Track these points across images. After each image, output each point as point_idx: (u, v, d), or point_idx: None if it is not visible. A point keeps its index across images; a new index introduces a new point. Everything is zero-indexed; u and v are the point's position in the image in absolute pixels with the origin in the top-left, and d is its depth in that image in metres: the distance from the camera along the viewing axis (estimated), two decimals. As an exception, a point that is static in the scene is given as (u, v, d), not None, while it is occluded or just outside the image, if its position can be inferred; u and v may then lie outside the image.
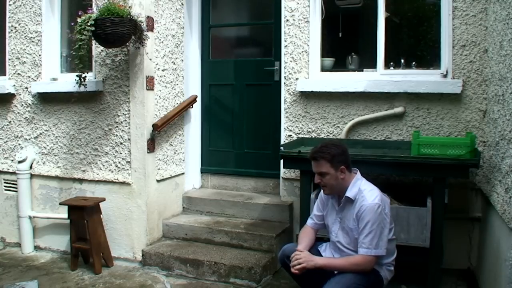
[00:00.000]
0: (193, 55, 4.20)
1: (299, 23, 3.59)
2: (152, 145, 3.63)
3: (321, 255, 2.54)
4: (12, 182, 4.15)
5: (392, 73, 3.46)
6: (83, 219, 3.47)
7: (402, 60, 3.53)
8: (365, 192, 2.40)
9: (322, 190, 2.57)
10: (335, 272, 2.38)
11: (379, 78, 3.44)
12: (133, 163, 3.61)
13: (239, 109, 4.24)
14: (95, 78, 3.71)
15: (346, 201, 2.46)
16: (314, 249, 2.56)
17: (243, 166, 4.24)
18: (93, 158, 3.79)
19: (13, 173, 4.09)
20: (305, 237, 2.61)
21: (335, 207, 2.54)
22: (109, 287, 3.23)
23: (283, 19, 3.66)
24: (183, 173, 4.10)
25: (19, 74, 4.07)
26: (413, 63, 3.50)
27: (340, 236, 2.49)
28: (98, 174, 3.77)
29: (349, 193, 2.43)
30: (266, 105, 4.12)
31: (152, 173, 3.65)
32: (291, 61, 3.64)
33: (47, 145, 3.98)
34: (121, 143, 3.67)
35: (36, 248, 4.03)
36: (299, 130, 3.65)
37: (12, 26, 4.07)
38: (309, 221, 2.70)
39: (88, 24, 3.14)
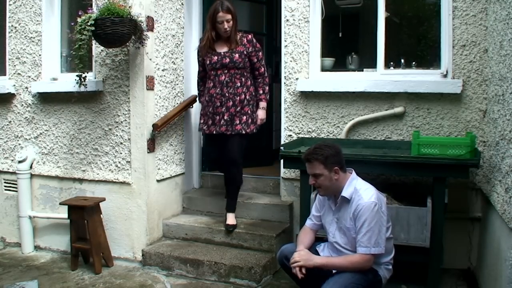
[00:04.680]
0: (193, 55, 4.19)
1: (299, 23, 3.60)
2: (152, 145, 3.63)
3: (319, 255, 2.54)
4: (12, 182, 4.15)
5: (392, 73, 3.46)
6: (83, 219, 3.47)
7: (402, 60, 3.53)
8: (361, 191, 2.40)
9: (318, 192, 2.58)
10: (334, 271, 2.39)
11: (379, 78, 3.44)
12: (133, 163, 3.62)
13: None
14: (95, 78, 3.71)
15: (342, 201, 2.46)
16: (312, 249, 2.56)
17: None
18: (93, 158, 3.79)
19: (13, 173, 4.09)
20: (304, 237, 2.62)
21: (331, 207, 2.54)
22: (109, 287, 3.23)
23: (283, 19, 3.66)
24: (183, 173, 4.10)
25: (19, 74, 4.07)
26: (413, 63, 3.50)
27: (337, 237, 2.50)
28: (98, 174, 3.77)
29: (345, 193, 2.43)
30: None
31: (152, 173, 3.65)
32: (291, 61, 3.64)
33: (47, 145, 3.98)
34: (121, 143, 3.67)
35: (36, 248, 4.04)
36: (299, 130, 3.65)
37: (12, 26, 4.07)
38: (308, 222, 2.70)
39: (88, 24, 3.14)
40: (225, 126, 3.46)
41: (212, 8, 3.40)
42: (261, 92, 3.58)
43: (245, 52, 3.47)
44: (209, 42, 3.46)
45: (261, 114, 3.59)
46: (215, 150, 3.64)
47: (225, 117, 3.46)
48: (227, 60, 3.44)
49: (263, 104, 3.60)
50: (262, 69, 3.56)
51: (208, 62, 3.50)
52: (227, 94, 3.45)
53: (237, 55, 3.44)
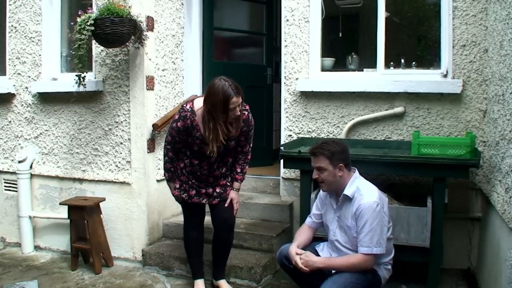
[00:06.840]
0: (193, 55, 4.20)
1: (299, 23, 3.59)
2: (152, 145, 3.63)
3: (318, 255, 2.54)
4: (12, 182, 4.15)
5: (392, 73, 3.46)
6: (83, 219, 3.47)
7: (402, 60, 3.53)
8: (363, 190, 2.40)
9: (320, 188, 2.58)
10: (333, 271, 2.39)
11: (379, 78, 3.44)
12: (133, 163, 3.61)
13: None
14: (95, 78, 3.71)
15: (344, 199, 2.46)
16: (311, 249, 2.57)
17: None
18: (93, 158, 3.79)
19: (13, 173, 4.09)
20: (300, 235, 2.63)
21: (333, 205, 2.54)
22: (109, 287, 3.23)
23: (283, 19, 3.66)
24: (183, 173, 4.10)
25: (19, 74, 4.07)
26: (413, 63, 3.50)
27: (338, 235, 2.50)
28: (98, 174, 3.77)
29: (347, 191, 2.43)
30: (261, 105, 4.62)
31: (152, 173, 3.65)
32: (291, 61, 3.64)
33: (47, 145, 3.98)
34: (121, 143, 3.67)
35: (36, 248, 4.04)
36: (299, 130, 3.65)
37: (12, 26, 4.06)
38: (307, 220, 2.71)
39: (88, 23, 3.14)
40: (217, 199, 2.97)
41: (220, 92, 2.62)
42: (238, 170, 2.98)
43: (238, 134, 2.88)
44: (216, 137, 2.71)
45: (236, 196, 3.00)
46: (196, 223, 3.03)
47: (217, 190, 2.96)
48: (222, 149, 2.82)
49: (237, 185, 3.00)
50: (247, 147, 2.97)
51: (196, 148, 2.85)
52: (219, 175, 2.95)
53: (233, 143, 2.87)
